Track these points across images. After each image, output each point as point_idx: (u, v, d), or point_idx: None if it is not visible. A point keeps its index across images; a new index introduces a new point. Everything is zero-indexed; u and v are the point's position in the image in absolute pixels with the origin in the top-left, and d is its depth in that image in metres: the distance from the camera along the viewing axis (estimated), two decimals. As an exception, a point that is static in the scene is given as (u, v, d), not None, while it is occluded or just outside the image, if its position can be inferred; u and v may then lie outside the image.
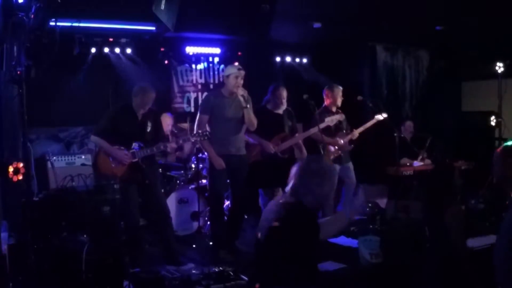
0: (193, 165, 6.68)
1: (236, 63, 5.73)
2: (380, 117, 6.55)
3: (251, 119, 5.40)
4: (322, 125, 5.98)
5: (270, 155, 5.85)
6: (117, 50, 7.24)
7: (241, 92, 5.27)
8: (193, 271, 4.65)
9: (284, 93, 6.01)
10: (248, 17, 4.93)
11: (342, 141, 6.42)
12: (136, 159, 4.99)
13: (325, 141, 6.24)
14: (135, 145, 5.02)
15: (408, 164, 6.92)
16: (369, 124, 6.57)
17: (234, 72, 5.35)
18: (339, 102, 6.52)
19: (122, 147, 5.00)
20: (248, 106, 5.32)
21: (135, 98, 5.07)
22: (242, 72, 5.39)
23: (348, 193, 6.52)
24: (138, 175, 5.03)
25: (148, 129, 5.11)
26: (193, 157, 6.69)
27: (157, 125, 5.26)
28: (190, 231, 6.30)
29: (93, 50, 7.11)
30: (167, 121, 6.60)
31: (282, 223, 2.97)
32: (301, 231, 2.96)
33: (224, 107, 5.39)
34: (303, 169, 3.13)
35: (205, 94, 8.34)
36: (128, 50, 7.31)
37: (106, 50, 7.18)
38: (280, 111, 6.07)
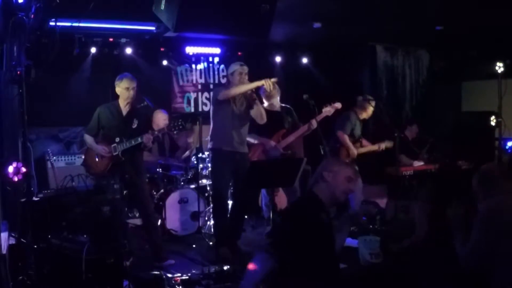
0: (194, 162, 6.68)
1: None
2: (385, 145, 6.70)
3: (261, 111, 5.48)
4: (319, 117, 5.99)
5: (272, 154, 5.86)
6: (117, 50, 7.24)
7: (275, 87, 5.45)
8: (193, 271, 4.64)
9: (276, 90, 6.05)
10: (248, 17, 4.92)
11: (356, 153, 6.55)
12: (116, 153, 5.11)
13: (347, 145, 6.48)
14: (117, 139, 5.12)
15: (407, 163, 6.92)
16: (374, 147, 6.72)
17: (238, 69, 5.45)
18: (368, 114, 6.76)
19: (106, 142, 5.18)
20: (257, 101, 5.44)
21: (117, 88, 5.19)
22: (246, 68, 5.50)
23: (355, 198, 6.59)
24: (118, 169, 5.16)
25: (134, 126, 5.20)
26: (193, 157, 6.69)
27: (145, 123, 5.33)
28: (190, 231, 6.31)
29: (93, 50, 7.11)
30: (162, 117, 6.62)
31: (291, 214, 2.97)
32: (309, 222, 2.92)
33: (231, 104, 5.43)
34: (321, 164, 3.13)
35: (205, 94, 8.36)
36: (128, 50, 7.30)
37: (106, 50, 7.18)
38: (277, 109, 6.08)
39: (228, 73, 5.67)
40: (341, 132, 6.49)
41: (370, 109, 6.69)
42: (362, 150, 6.65)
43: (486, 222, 2.99)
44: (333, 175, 3.02)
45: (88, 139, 5.30)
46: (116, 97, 5.30)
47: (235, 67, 5.50)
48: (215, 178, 5.60)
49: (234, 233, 5.59)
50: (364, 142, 6.77)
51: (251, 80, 5.43)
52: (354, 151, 6.51)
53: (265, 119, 5.54)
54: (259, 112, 5.46)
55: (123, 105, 5.23)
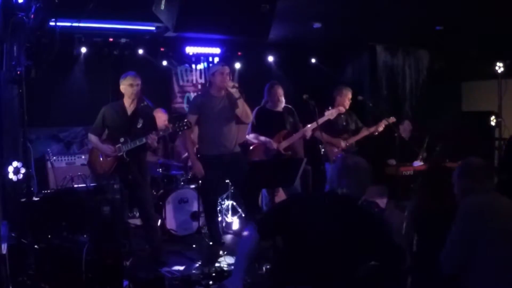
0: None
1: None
2: (388, 121, 6.55)
3: (246, 110, 5.36)
4: (321, 120, 5.97)
5: (273, 154, 5.85)
6: (117, 50, 7.24)
7: (231, 84, 5.22)
8: (193, 271, 4.65)
9: (280, 90, 6.02)
10: (248, 17, 4.92)
11: (343, 143, 6.42)
12: (121, 153, 5.05)
13: (327, 141, 6.27)
14: (122, 139, 5.07)
15: (395, 165, 6.90)
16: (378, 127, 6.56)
17: (219, 69, 5.33)
18: (346, 104, 6.54)
19: (111, 142, 5.12)
20: (241, 97, 5.25)
21: (121, 86, 5.16)
22: (227, 68, 5.39)
23: None
24: (122, 169, 5.09)
25: (139, 125, 5.14)
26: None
27: (150, 122, 5.28)
28: (190, 231, 6.31)
29: (93, 50, 7.11)
30: (161, 117, 6.61)
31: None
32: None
33: (213, 106, 5.35)
34: (338, 167, 3.08)
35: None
36: (128, 50, 7.30)
37: (106, 50, 7.18)
38: (280, 109, 6.07)
39: (209, 74, 5.55)
40: (316, 132, 6.41)
41: (343, 98, 6.48)
42: (354, 138, 6.52)
43: (464, 221, 2.90)
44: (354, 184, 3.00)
45: (93, 138, 5.24)
46: (119, 96, 5.29)
47: (216, 67, 5.39)
48: (202, 183, 5.59)
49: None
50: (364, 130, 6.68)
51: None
52: (338, 142, 6.40)
53: (250, 118, 5.47)
54: (243, 111, 5.34)
55: (128, 104, 5.18)
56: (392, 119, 6.55)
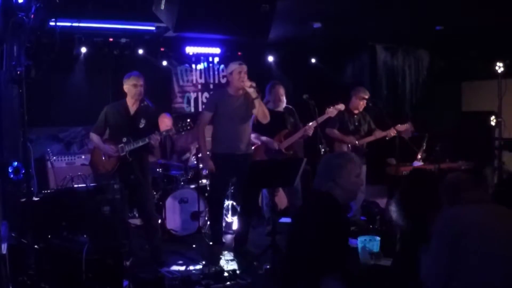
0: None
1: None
2: (396, 129, 6.55)
3: (264, 110, 5.36)
4: (321, 118, 5.97)
5: (274, 154, 5.85)
6: (117, 50, 7.24)
7: (248, 83, 5.20)
8: (193, 271, 4.65)
9: (281, 90, 6.04)
10: (248, 17, 4.92)
11: (357, 142, 6.48)
12: (124, 153, 5.06)
13: (339, 138, 6.38)
14: (124, 139, 5.07)
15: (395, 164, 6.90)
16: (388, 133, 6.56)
17: (237, 68, 5.33)
18: (360, 106, 6.62)
19: (113, 142, 5.13)
20: (258, 96, 5.25)
21: (125, 86, 5.18)
22: (244, 67, 5.39)
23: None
24: (124, 169, 5.10)
25: (141, 125, 5.17)
26: (193, 157, 6.69)
27: (152, 123, 5.28)
28: (190, 231, 6.31)
29: (93, 50, 7.11)
30: (166, 122, 6.60)
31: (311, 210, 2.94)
32: (330, 222, 2.85)
33: (230, 105, 5.35)
34: (325, 164, 3.07)
35: (205, 94, 8.37)
36: (128, 50, 7.30)
37: (106, 50, 7.18)
38: (281, 109, 6.07)
39: (227, 72, 5.56)
40: (328, 129, 6.43)
41: (357, 99, 6.59)
42: (366, 139, 6.59)
43: (442, 232, 2.80)
44: (345, 179, 2.98)
45: (95, 138, 5.26)
46: (119, 96, 5.30)
47: (234, 66, 5.38)
48: (211, 180, 5.59)
49: (242, 238, 5.53)
50: (376, 132, 6.69)
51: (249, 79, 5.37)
52: (351, 140, 6.48)
53: (268, 118, 5.45)
54: (261, 111, 5.35)
55: (131, 103, 5.20)
56: (404, 127, 6.58)
